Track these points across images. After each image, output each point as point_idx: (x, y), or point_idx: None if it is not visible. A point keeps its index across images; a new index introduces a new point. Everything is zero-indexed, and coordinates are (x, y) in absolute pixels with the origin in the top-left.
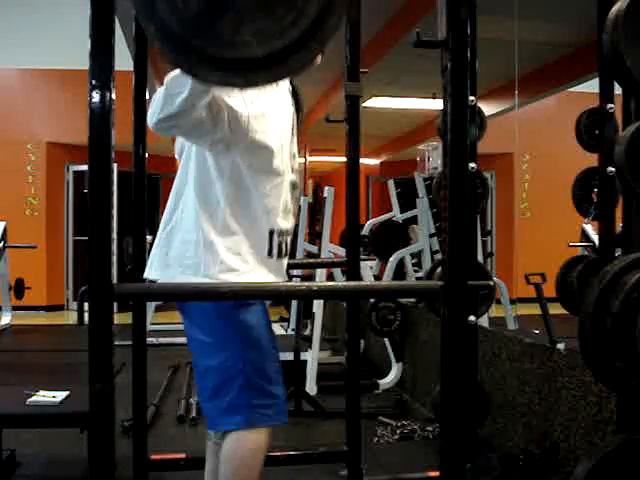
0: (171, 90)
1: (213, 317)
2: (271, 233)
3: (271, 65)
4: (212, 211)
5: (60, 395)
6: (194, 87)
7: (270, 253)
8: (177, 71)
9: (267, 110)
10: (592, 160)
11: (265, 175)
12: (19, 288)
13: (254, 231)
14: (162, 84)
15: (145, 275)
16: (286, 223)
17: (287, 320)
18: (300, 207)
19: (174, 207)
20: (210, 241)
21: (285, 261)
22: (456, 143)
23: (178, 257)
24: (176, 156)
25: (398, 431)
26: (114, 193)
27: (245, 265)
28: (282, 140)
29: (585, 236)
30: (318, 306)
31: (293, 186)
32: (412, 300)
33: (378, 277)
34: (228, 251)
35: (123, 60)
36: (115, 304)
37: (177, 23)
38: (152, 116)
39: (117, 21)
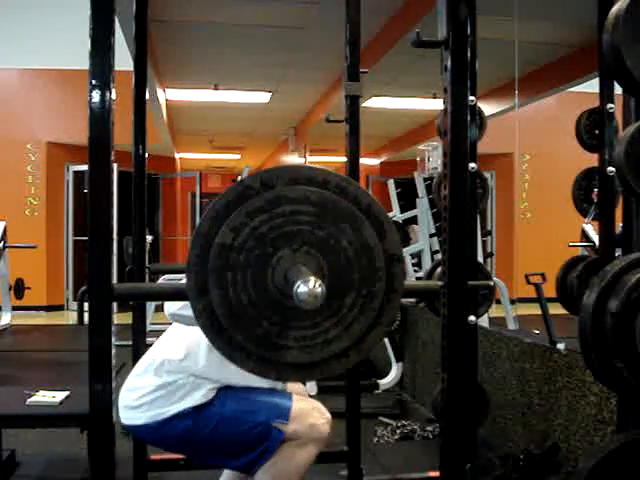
0: None
1: (202, 432)
2: None
3: (308, 369)
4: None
5: (60, 395)
6: None
7: None
8: None
9: None
10: (592, 160)
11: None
12: (19, 288)
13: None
14: (162, 84)
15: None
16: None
17: None
18: None
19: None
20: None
21: None
22: (456, 143)
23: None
24: None
25: (398, 431)
26: (114, 193)
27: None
28: None
29: (585, 236)
30: None
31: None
32: (412, 300)
33: None
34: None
35: (123, 60)
36: (115, 304)
37: (224, 314)
38: (172, 306)
39: (117, 21)
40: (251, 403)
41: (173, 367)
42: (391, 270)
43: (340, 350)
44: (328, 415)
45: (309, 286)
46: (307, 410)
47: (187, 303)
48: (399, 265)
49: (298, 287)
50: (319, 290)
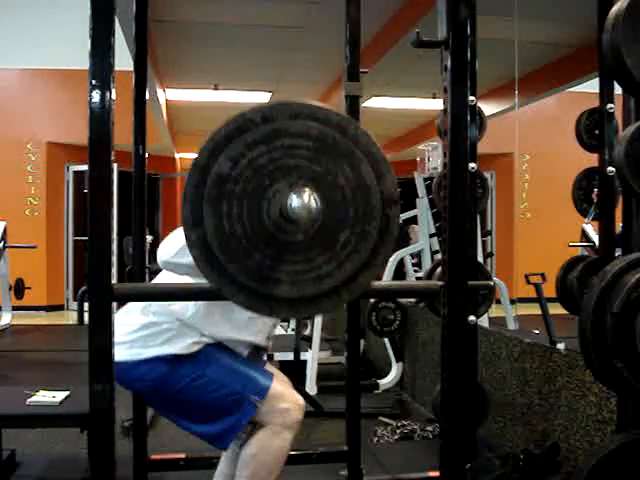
0: None
1: (182, 381)
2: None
3: (298, 305)
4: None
5: (60, 395)
6: None
7: None
8: None
9: None
10: (592, 160)
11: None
12: (19, 288)
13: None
14: (162, 84)
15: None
16: (257, 341)
17: (287, 320)
18: None
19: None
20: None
21: None
22: (456, 143)
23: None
24: None
25: (398, 431)
26: (114, 193)
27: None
28: None
29: (585, 236)
30: None
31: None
32: (412, 300)
33: (378, 277)
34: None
35: (123, 60)
36: (115, 304)
37: (217, 244)
38: (165, 254)
39: (117, 21)
40: (232, 372)
41: (161, 309)
42: (386, 212)
43: (332, 287)
44: (302, 402)
45: (303, 199)
46: (283, 394)
47: (180, 251)
48: (395, 208)
49: (291, 200)
50: (313, 204)
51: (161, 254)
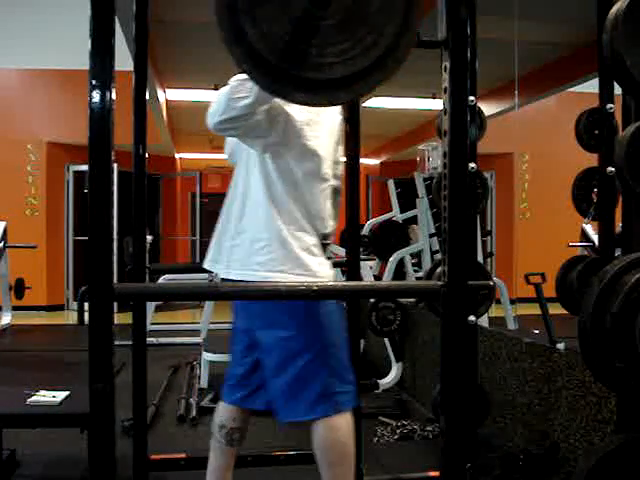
0: (236, 94)
1: (301, 314)
2: (319, 236)
3: (352, 84)
4: (281, 210)
5: (60, 395)
6: (260, 94)
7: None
8: (243, 75)
9: (319, 117)
10: (592, 160)
11: (315, 180)
12: (19, 288)
13: (313, 231)
14: (162, 84)
15: (216, 271)
16: (329, 228)
17: None
18: None
19: (242, 207)
20: (283, 239)
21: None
22: (456, 143)
23: (249, 256)
24: (226, 157)
25: (398, 431)
26: (114, 193)
27: (314, 259)
28: (330, 147)
29: (585, 236)
30: None
31: (336, 192)
32: (412, 300)
33: (378, 277)
34: (299, 247)
35: (123, 60)
36: (115, 304)
37: (265, 48)
38: (213, 116)
39: (117, 21)
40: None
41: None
42: None
43: (379, 56)
44: None
45: None
46: None
47: (230, 112)
48: None
49: None
50: None
51: (209, 119)
